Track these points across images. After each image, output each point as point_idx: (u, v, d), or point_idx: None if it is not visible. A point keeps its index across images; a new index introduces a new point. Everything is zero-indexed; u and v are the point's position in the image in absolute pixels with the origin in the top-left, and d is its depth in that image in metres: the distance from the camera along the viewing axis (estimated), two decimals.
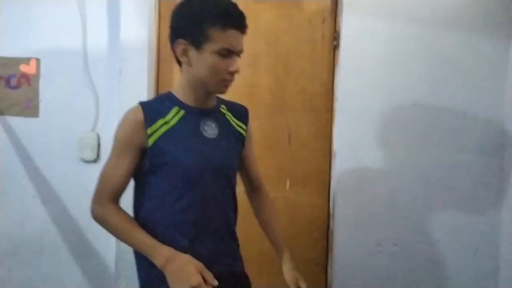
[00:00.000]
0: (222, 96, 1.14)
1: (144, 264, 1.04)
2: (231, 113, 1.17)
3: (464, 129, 1.76)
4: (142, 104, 1.06)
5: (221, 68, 1.01)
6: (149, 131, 1.01)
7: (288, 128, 1.79)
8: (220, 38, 0.99)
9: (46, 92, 1.76)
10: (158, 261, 0.97)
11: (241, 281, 1.16)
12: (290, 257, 1.22)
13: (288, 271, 1.18)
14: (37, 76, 1.76)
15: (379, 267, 1.74)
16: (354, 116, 1.73)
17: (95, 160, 1.74)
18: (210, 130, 1.09)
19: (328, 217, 1.80)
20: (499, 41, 1.76)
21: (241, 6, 1.73)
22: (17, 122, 1.76)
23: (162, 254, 0.97)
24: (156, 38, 1.75)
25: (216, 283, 0.95)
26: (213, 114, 1.11)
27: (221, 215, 1.11)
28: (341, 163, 1.73)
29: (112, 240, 1.69)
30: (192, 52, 1.01)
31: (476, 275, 1.77)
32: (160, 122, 1.03)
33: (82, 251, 1.76)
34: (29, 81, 1.77)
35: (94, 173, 1.71)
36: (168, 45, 1.09)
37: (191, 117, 1.07)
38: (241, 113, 1.20)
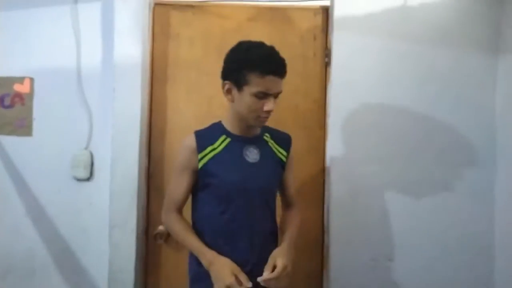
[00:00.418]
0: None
1: (194, 262, 1.28)
2: (273, 140, 1.36)
3: (457, 143, 1.78)
4: (196, 133, 1.29)
5: (257, 107, 1.20)
6: (200, 156, 1.25)
7: None
8: (257, 83, 1.16)
9: (40, 111, 1.77)
10: (204, 262, 1.21)
11: None
12: (287, 247, 1.28)
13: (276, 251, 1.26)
14: (31, 95, 1.77)
15: (374, 282, 1.73)
16: (347, 132, 1.74)
17: (88, 179, 1.73)
18: (252, 155, 1.28)
19: (322, 232, 1.80)
20: (488, 57, 1.79)
21: (234, 25, 1.76)
22: (10, 141, 1.76)
23: (206, 257, 1.21)
24: (150, 57, 1.77)
25: (250, 284, 1.15)
26: (256, 141, 1.31)
27: (259, 229, 1.29)
28: (334, 179, 1.74)
29: (104, 259, 1.67)
30: (235, 92, 1.22)
31: (472, 286, 1.77)
32: (209, 148, 1.26)
33: (74, 271, 1.74)
34: (23, 100, 1.77)
35: (87, 191, 1.74)
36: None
37: (235, 144, 1.27)
38: (283, 140, 1.39)
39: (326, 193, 1.78)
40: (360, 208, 1.73)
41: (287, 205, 1.45)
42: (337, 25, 1.74)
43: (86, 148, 1.73)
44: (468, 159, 1.78)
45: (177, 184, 1.29)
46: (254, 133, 1.31)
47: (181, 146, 1.29)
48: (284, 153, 1.37)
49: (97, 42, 1.76)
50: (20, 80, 1.77)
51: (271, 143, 1.35)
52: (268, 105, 1.19)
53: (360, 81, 1.75)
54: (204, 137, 1.27)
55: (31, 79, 1.77)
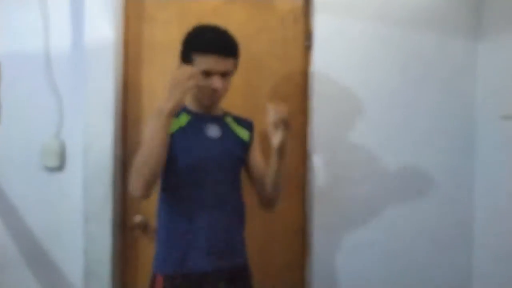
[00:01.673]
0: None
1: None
2: (235, 122, 1.41)
3: (437, 128, 1.78)
4: None
5: (204, 85, 1.24)
6: None
7: (262, 130, 1.75)
8: (200, 62, 1.23)
9: (7, 98, 1.66)
10: (162, 103, 1.16)
11: (242, 273, 1.36)
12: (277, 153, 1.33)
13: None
14: None
15: (356, 270, 1.73)
16: (329, 116, 1.72)
17: (60, 168, 1.65)
18: (213, 131, 1.33)
19: (304, 220, 1.77)
20: (468, 41, 1.79)
21: (211, 8, 1.71)
22: None
23: (158, 105, 1.18)
24: (123, 39, 1.69)
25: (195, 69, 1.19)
26: (216, 120, 1.36)
27: (228, 208, 1.32)
28: (316, 164, 1.71)
29: (79, 252, 1.61)
30: None
31: (451, 273, 1.79)
32: (174, 122, 1.26)
33: (47, 265, 1.67)
34: None
35: (58, 181, 1.66)
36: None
37: (196, 120, 1.32)
38: (245, 123, 1.43)
39: (308, 180, 1.75)
40: (342, 195, 1.72)
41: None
42: (318, 7, 1.70)
43: (56, 136, 1.65)
44: (448, 145, 1.79)
45: None
46: (215, 112, 1.37)
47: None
48: (247, 133, 1.41)
49: (66, 25, 1.66)
50: None
51: (233, 124, 1.40)
52: (215, 83, 1.24)
53: (342, 65, 1.72)
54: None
55: None
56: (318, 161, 1.72)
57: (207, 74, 1.24)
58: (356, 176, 1.73)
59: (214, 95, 1.29)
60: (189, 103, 1.35)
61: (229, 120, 1.40)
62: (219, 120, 1.37)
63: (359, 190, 1.73)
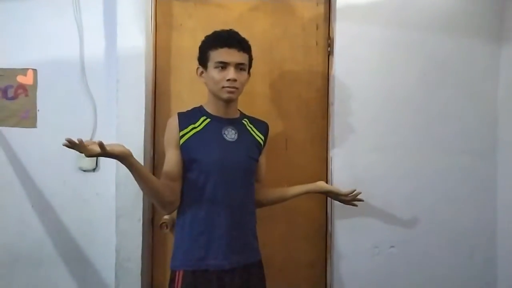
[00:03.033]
0: (247, 113, 1.51)
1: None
2: (252, 125, 1.48)
3: (458, 132, 1.79)
4: (178, 113, 1.41)
5: (220, 78, 1.33)
6: (181, 133, 1.36)
7: (285, 134, 1.81)
8: (215, 55, 1.34)
9: (44, 103, 1.77)
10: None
11: (257, 270, 1.41)
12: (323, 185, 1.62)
13: (328, 187, 1.65)
14: (34, 86, 1.77)
15: (377, 269, 1.76)
16: (349, 120, 1.75)
17: (94, 170, 1.75)
18: (230, 134, 1.40)
19: (326, 220, 1.82)
20: (490, 45, 1.80)
21: (236, 15, 1.77)
22: (14, 133, 1.76)
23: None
24: (153, 47, 1.77)
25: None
26: (234, 123, 1.42)
27: (238, 205, 1.37)
28: (337, 167, 1.75)
29: (111, 249, 1.69)
30: (204, 73, 1.39)
31: (474, 277, 1.80)
32: (191, 127, 1.38)
33: (81, 260, 1.76)
34: (26, 92, 1.77)
35: (92, 182, 1.75)
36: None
37: (215, 124, 1.39)
38: (261, 125, 1.51)
39: (329, 182, 1.79)
40: (363, 196, 1.74)
41: (259, 187, 1.54)
42: (340, 14, 1.74)
43: (91, 138, 1.74)
44: (470, 148, 1.80)
45: (167, 159, 1.37)
46: (233, 115, 1.44)
47: (166, 126, 1.42)
48: (262, 136, 1.48)
49: (100, 33, 1.75)
50: (23, 71, 1.77)
51: (249, 126, 1.47)
52: (229, 73, 1.32)
53: (363, 70, 1.76)
54: (186, 116, 1.40)
55: (34, 71, 1.77)
56: (338, 163, 1.76)
57: (220, 67, 1.33)
58: (375, 178, 1.76)
59: (232, 88, 1.34)
60: (209, 106, 1.42)
61: (246, 122, 1.47)
62: (237, 122, 1.43)
63: (378, 191, 1.76)
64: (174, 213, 1.75)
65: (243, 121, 1.46)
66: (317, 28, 1.81)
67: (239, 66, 1.34)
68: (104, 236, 1.72)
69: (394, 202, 1.77)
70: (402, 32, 1.77)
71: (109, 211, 1.71)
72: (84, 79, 1.75)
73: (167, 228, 1.71)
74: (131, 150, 1.64)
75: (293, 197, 1.59)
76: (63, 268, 1.77)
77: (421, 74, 1.78)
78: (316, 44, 1.81)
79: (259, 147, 1.47)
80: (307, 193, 1.60)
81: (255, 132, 1.47)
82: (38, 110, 1.77)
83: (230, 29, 1.39)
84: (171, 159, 1.37)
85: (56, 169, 1.76)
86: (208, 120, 1.39)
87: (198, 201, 1.35)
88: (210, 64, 1.35)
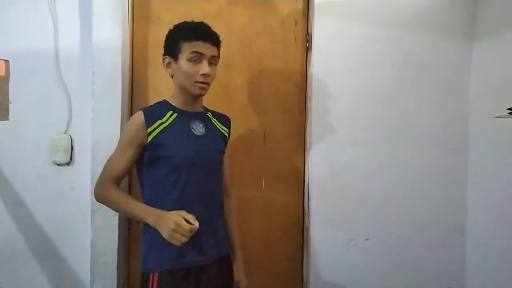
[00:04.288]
0: (208, 107, 1.43)
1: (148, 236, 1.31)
2: (215, 118, 1.44)
3: (432, 127, 1.84)
4: (143, 109, 1.31)
5: (193, 72, 1.27)
6: (149, 130, 1.27)
7: (263, 128, 1.82)
8: (188, 47, 1.26)
9: (17, 94, 1.71)
10: (151, 220, 1.20)
11: (229, 262, 1.41)
12: (241, 258, 1.47)
13: (237, 272, 1.43)
14: (6, 78, 1.71)
15: (353, 261, 1.80)
16: (327, 115, 1.78)
17: (68, 163, 1.71)
18: (198, 128, 1.34)
19: (303, 214, 1.84)
20: (463, 43, 1.85)
21: (214, 9, 1.76)
22: None
23: (153, 213, 1.21)
24: (130, 39, 1.74)
25: (196, 223, 1.15)
26: (200, 116, 1.37)
27: (212, 201, 1.35)
28: (314, 161, 1.78)
29: (87, 243, 1.67)
30: (173, 64, 1.30)
31: (444, 267, 1.85)
32: (158, 122, 1.29)
33: (56, 256, 1.73)
34: None
35: (67, 176, 1.72)
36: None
37: (182, 118, 1.32)
38: (224, 119, 1.47)
39: (306, 176, 1.81)
40: (339, 190, 1.78)
41: (223, 191, 1.48)
42: (318, 10, 1.76)
43: (65, 132, 1.71)
44: (442, 143, 1.85)
45: (119, 158, 1.30)
46: (199, 109, 1.39)
47: (129, 121, 1.34)
48: (226, 129, 1.46)
49: (75, 24, 1.71)
50: None
51: (214, 120, 1.43)
52: (203, 68, 1.26)
53: (340, 66, 1.78)
54: (152, 112, 1.31)
55: (6, 62, 1.71)
56: (315, 157, 1.78)
57: (193, 60, 1.26)
58: (352, 173, 1.79)
59: (204, 84, 1.28)
60: (174, 99, 1.35)
61: (210, 115, 1.43)
62: (203, 116, 1.38)
63: (354, 186, 1.79)
64: None
65: (208, 115, 1.42)
66: (295, 24, 1.82)
67: (211, 60, 1.29)
68: (79, 231, 1.70)
69: (369, 196, 1.81)
70: (379, 29, 1.80)
71: (84, 205, 1.68)
72: (59, 71, 1.71)
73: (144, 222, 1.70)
74: (106, 142, 1.64)
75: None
76: (37, 264, 1.73)
77: (397, 71, 1.82)
78: (295, 39, 1.82)
79: (225, 140, 1.44)
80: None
81: (219, 126, 1.43)
82: (11, 102, 1.72)
83: (202, 22, 1.31)
84: (125, 159, 1.29)
85: (29, 163, 1.72)
86: (176, 114, 1.32)
87: (169, 200, 1.27)
88: (182, 56, 1.27)
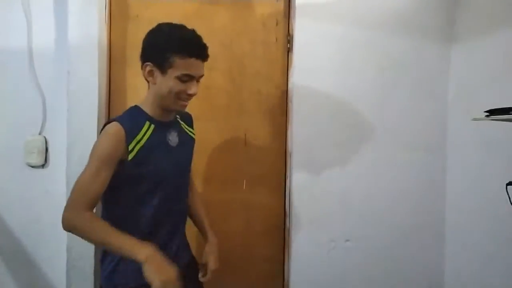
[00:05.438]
0: None
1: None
2: (183, 121, 1.37)
3: (411, 129, 1.86)
4: (121, 122, 1.17)
5: (180, 90, 1.18)
6: (130, 146, 1.15)
7: (244, 129, 1.80)
8: (182, 65, 1.14)
9: None
10: (140, 257, 1.04)
11: (194, 265, 1.38)
12: (215, 241, 1.39)
13: (208, 253, 1.36)
14: None
15: (334, 262, 1.80)
16: (308, 117, 1.77)
17: (43, 166, 1.66)
18: (174, 139, 1.27)
19: (284, 215, 1.83)
20: (442, 45, 1.87)
21: (194, 9, 1.73)
22: None
23: (144, 251, 1.05)
24: (108, 38, 1.70)
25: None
26: (174, 125, 1.30)
27: (182, 210, 1.33)
28: (296, 163, 1.77)
29: (62, 247, 1.62)
30: (157, 74, 1.18)
31: (423, 267, 1.88)
32: (138, 137, 1.18)
33: (31, 260, 1.68)
34: None
35: (41, 178, 1.67)
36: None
37: (159, 130, 1.24)
38: (189, 118, 1.41)
39: (287, 177, 1.81)
40: (320, 191, 1.78)
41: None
42: (299, 11, 1.75)
43: (40, 133, 1.66)
44: (421, 144, 1.87)
45: (95, 178, 1.11)
46: (172, 117, 1.30)
47: (104, 136, 1.16)
48: (192, 130, 1.40)
49: (49, 21, 1.66)
50: None
51: (182, 124, 1.36)
52: (192, 88, 1.18)
53: (321, 67, 1.78)
54: (130, 124, 1.18)
55: None
56: (297, 159, 1.77)
57: (183, 80, 1.16)
58: (333, 173, 1.79)
59: (187, 101, 1.22)
60: (149, 108, 1.23)
61: (179, 119, 1.35)
62: (176, 125, 1.31)
63: (335, 186, 1.79)
64: None
65: (177, 120, 1.34)
66: (276, 24, 1.81)
67: (199, 79, 1.21)
68: (53, 235, 1.65)
69: (350, 197, 1.81)
70: (359, 30, 1.81)
71: (59, 209, 1.61)
72: (33, 70, 1.66)
73: None
74: (82, 144, 1.59)
75: (196, 224, 1.44)
76: (11, 271, 1.69)
77: (378, 73, 1.83)
78: (276, 40, 1.81)
79: (193, 143, 1.39)
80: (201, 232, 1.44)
81: (187, 129, 1.37)
82: None
83: (194, 32, 1.19)
84: (102, 179, 1.12)
85: (2, 165, 1.66)
86: (153, 126, 1.22)
87: (140, 216, 1.20)
88: (172, 72, 1.15)
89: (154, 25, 1.68)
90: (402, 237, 1.86)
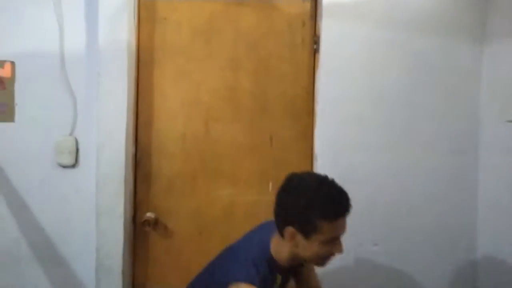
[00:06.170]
0: None
1: None
2: None
3: (441, 131, 1.81)
4: (253, 283, 1.08)
5: (326, 253, 1.12)
6: None
7: (270, 131, 1.80)
8: (328, 229, 1.08)
9: (22, 96, 1.71)
10: None
11: None
12: None
13: None
14: (12, 79, 1.71)
15: (361, 266, 1.77)
16: (334, 119, 1.75)
17: (73, 165, 1.70)
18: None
19: None
20: (473, 45, 1.82)
21: (221, 10, 1.74)
22: None
23: None
24: (136, 41, 1.73)
25: None
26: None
27: None
28: (322, 166, 1.75)
29: (91, 247, 1.66)
30: (299, 238, 1.11)
31: (454, 274, 1.82)
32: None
33: (61, 259, 1.71)
34: (4, 85, 1.71)
35: (72, 178, 1.71)
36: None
37: (282, 279, 1.23)
38: None
39: None
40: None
41: None
42: (326, 12, 1.74)
43: (70, 134, 1.70)
44: (453, 147, 1.82)
45: None
46: None
47: None
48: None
49: (80, 26, 1.70)
50: (0, 64, 1.71)
51: None
52: (338, 248, 1.12)
53: (348, 68, 1.75)
54: (263, 282, 1.12)
55: (12, 63, 1.71)
56: (323, 161, 1.75)
57: (329, 241, 1.10)
58: (360, 177, 1.76)
59: (330, 259, 1.16)
60: (284, 261, 1.18)
61: None
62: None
63: (363, 190, 1.76)
64: (157, 210, 1.74)
65: None
66: (303, 25, 1.80)
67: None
68: (83, 234, 1.69)
69: (378, 201, 1.78)
70: (388, 30, 1.77)
71: (89, 208, 1.67)
72: (64, 72, 1.70)
73: (149, 225, 1.69)
74: (112, 145, 1.63)
75: None
76: (42, 268, 1.72)
77: (407, 74, 1.79)
78: (302, 41, 1.80)
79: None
80: None
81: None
82: (16, 104, 1.72)
83: (340, 189, 1.13)
84: None
85: (34, 165, 1.71)
86: (280, 277, 1.21)
87: None
88: (318, 237, 1.08)
89: (181, 27, 1.75)
90: (432, 242, 1.80)
